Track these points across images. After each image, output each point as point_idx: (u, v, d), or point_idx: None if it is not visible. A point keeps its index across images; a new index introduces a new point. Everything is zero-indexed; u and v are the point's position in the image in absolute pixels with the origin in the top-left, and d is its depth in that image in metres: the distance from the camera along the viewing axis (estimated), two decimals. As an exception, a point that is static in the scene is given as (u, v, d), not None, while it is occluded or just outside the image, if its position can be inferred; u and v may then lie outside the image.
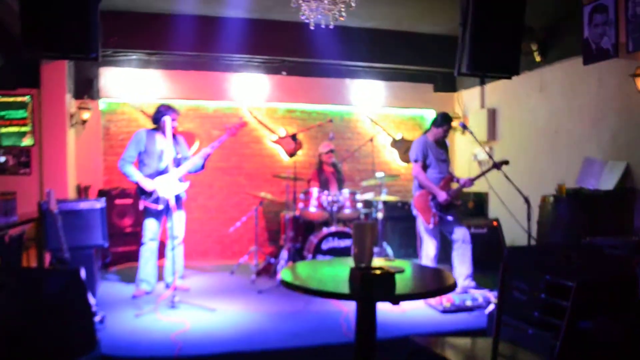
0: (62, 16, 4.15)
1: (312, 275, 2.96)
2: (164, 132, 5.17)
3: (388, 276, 2.26)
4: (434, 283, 2.94)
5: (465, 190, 7.12)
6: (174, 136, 5.45)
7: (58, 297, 3.19)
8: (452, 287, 2.56)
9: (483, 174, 5.28)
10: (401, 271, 2.73)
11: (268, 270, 6.10)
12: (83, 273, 4.31)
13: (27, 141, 6.61)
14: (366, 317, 2.51)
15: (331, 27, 4.15)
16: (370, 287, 2.23)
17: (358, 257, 2.54)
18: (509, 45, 5.00)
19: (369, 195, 6.27)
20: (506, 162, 5.18)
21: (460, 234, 5.35)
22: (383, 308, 4.80)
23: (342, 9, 4.05)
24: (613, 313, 3.17)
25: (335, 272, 2.86)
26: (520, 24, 4.91)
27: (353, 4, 4.12)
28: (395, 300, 2.34)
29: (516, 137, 6.96)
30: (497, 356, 2.46)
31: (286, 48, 7.35)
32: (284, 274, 2.75)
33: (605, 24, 4.80)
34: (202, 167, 5.53)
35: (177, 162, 5.38)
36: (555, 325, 2.64)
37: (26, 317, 3.02)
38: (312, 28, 4.22)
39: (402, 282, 2.58)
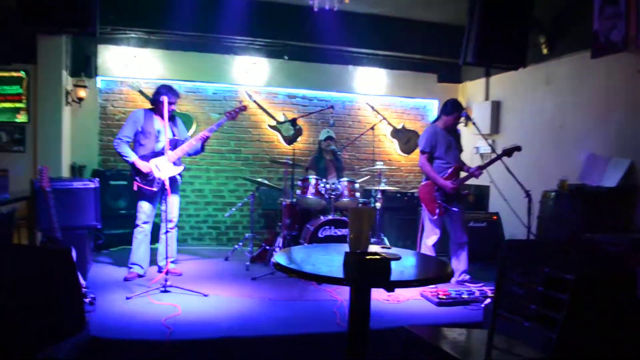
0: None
1: (306, 259, 2.89)
2: (162, 113, 5.05)
3: (383, 262, 2.18)
4: (430, 271, 2.87)
5: (466, 183, 7.09)
6: (172, 118, 5.35)
7: (46, 276, 3.10)
8: (449, 276, 2.50)
9: (493, 161, 5.14)
10: (397, 258, 2.65)
11: (263, 258, 6.02)
12: (74, 253, 4.24)
13: (21, 118, 6.48)
14: (360, 303, 2.45)
15: (335, 9, 4.02)
16: (366, 272, 2.15)
17: (354, 242, 2.45)
18: (516, 36, 4.92)
19: (367, 184, 6.16)
20: (518, 149, 5.02)
21: (460, 237, 5.28)
22: (378, 298, 4.76)
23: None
24: (611, 309, 3.10)
25: (331, 258, 2.79)
26: (529, 15, 4.83)
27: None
28: (390, 286, 2.26)
29: (520, 130, 6.86)
30: (492, 348, 2.39)
31: (289, 32, 7.21)
32: (278, 257, 2.68)
33: (616, 17, 4.69)
34: (201, 149, 5.43)
35: (174, 144, 5.27)
36: (552, 319, 2.56)
37: (12, 295, 2.93)
38: (315, 10, 4.09)
39: (398, 270, 2.50)
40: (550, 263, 3.09)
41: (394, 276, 2.28)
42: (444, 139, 5.26)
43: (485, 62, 4.92)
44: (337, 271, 2.41)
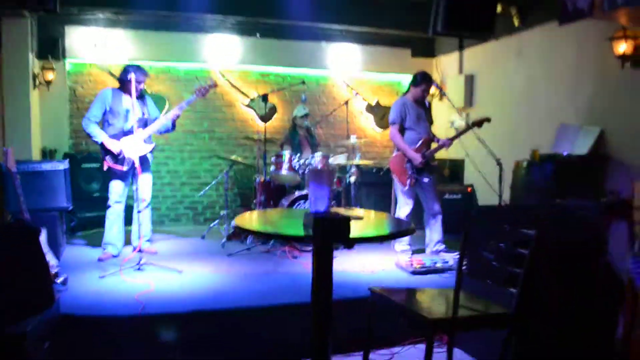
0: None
1: (268, 221, 2.89)
2: (130, 92, 4.97)
3: (342, 219, 2.19)
4: (391, 228, 2.88)
5: (441, 157, 7.13)
6: (141, 96, 5.27)
7: (10, 254, 3.06)
8: (410, 232, 2.52)
9: (462, 132, 5.22)
10: (359, 218, 2.66)
11: (239, 235, 6.00)
12: (43, 234, 4.18)
13: (-12, 102, 6.35)
14: (322, 261, 2.45)
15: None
16: (325, 229, 2.15)
17: (316, 204, 2.44)
18: (485, 4, 4.91)
19: (342, 159, 6.14)
20: (487, 120, 5.11)
21: (432, 207, 5.30)
22: (352, 270, 4.78)
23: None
24: (577, 270, 3.14)
25: (293, 219, 2.79)
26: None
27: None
28: (350, 243, 2.26)
29: (493, 103, 6.89)
30: (457, 305, 2.41)
31: (261, 9, 7.10)
32: (238, 220, 2.65)
33: (583, -18, 4.70)
34: (172, 128, 5.37)
35: (144, 123, 5.21)
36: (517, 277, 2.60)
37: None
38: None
39: (360, 228, 2.51)
40: (519, 226, 3.12)
41: (355, 234, 2.29)
42: (414, 110, 5.27)
43: (454, 32, 4.93)
44: (299, 231, 2.42)
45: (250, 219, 2.88)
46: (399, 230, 2.57)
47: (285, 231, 2.48)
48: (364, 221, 2.76)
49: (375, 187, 6.94)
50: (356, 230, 2.39)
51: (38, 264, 3.28)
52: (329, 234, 2.17)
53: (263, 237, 2.20)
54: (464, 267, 3.84)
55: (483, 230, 3.07)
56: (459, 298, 2.69)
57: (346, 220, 2.19)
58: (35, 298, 3.14)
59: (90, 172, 6.56)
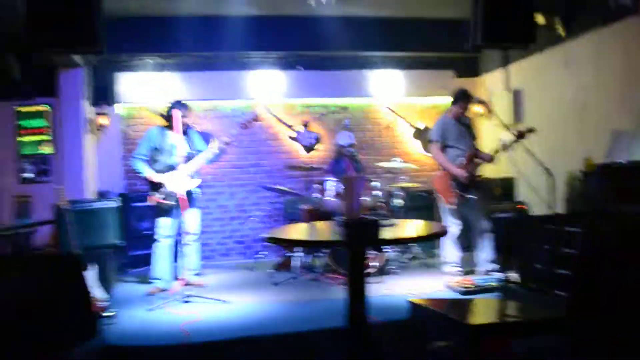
0: (67, 12, 4.21)
1: (301, 232, 2.86)
2: (175, 128, 5.09)
3: (372, 222, 2.14)
4: (422, 231, 2.78)
5: (492, 175, 6.90)
6: (186, 131, 5.40)
7: (52, 283, 3.12)
8: (442, 234, 2.41)
9: (507, 146, 5.07)
10: (392, 225, 2.58)
11: (287, 265, 5.94)
12: (94, 269, 4.28)
13: (46, 149, 6.68)
14: (356, 263, 2.38)
15: (333, 2, 3.97)
16: (356, 232, 2.11)
17: (348, 210, 2.39)
18: (524, 11, 4.79)
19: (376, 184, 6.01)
20: (532, 130, 4.96)
21: (481, 225, 5.13)
22: (401, 293, 4.63)
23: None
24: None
25: (326, 229, 2.74)
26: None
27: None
28: (379, 245, 2.21)
29: (542, 116, 6.63)
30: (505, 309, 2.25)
31: (301, 43, 7.26)
32: (270, 234, 2.62)
33: (623, -21, 4.52)
34: (221, 153, 5.41)
35: (189, 158, 5.31)
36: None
37: (18, 303, 2.95)
38: (313, 4, 4.06)
39: (393, 234, 2.44)
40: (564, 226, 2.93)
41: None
42: (455, 127, 5.21)
43: (495, 43, 4.81)
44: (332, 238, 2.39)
45: (282, 233, 2.86)
46: (431, 233, 2.46)
47: (314, 238, 2.43)
48: (398, 227, 2.67)
49: (424, 211, 6.76)
50: (389, 235, 2.32)
51: (81, 295, 3.34)
52: (358, 237, 2.12)
53: (294, 245, 2.18)
54: (515, 281, 3.64)
55: (529, 236, 2.91)
56: (506, 306, 2.54)
57: (374, 222, 2.14)
58: (79, 329, 3.17)
59: (141, 211, 6.69)
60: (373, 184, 5.66)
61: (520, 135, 4.94)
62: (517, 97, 7.10)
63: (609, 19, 4.79)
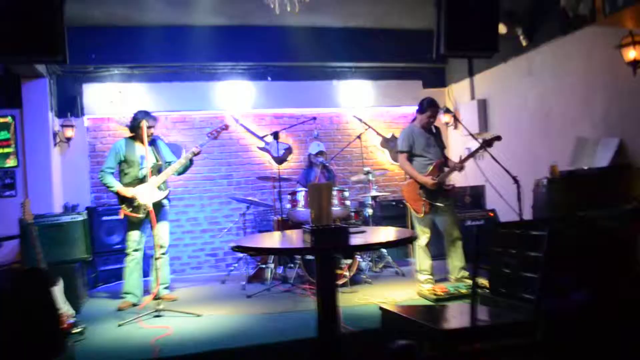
0: (26, 21, 4.12)
1: (270, 241, 2.85)
2: (142, 139, 5.03)
3: (340, 229, 2.13)
4: (392, 237, 2.80)
5: (461, 184, 7.00)
6: (153, 142, 5.35)
7: (18, 300, 3.05)
8: (410, 240, 2.42)
9: (474, 153, 5.15)
10: (362, 232, 2.59)
11: (259, 276, 5.92)
12: (59, 284, 4.18)
13: (10, 162, 6.52)
14: (324, 271, 2.38)
15: (296, 10, 4.00)
16: (324, 239, 2.10)
17: (316, 217, 2.39)
18: (487, 21, 4.87)
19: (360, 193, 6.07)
20: (498, 138, 5.04)
21: (451, 233, 5.18)
22: (374, 302, 4.64)
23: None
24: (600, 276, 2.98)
25: (295, 237, 2.74)
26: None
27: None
28: (348, 251, 2.21)
29: (508, 125, 6.79)
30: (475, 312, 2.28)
31: (269, 53, 7.31)
32: (237, 243, 2.61)
33: (581, -11, 4.66)
34: (190, 163, 5.36)
35: (158, 169, 5.26)
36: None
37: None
38: (277, 12, 4.07)
39: (362, 240, 2.46)
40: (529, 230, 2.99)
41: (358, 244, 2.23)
42: (422, 136, 5.26)
43: (458, 52, 4.89)
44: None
45: (249, 241, 2.85)
46: (399, 239, 2.48)
47: (282, 246, 2.42)
48: (367, 234, 2.69)
49: (395, 220, 6.83)
50: (358, 242, 2.33)
51: (48, 311, 3.27)
52: (326, 243, 2.12)
53: (263, 254, 2.16)
54: (486, 286, 3.69)
55: (498, 242, 2.96)
56: (477, 311, 2.58)
57: (342, 229, 2.14)
58: (46, 346, 3.10)
59: (111, 224, 6.59)
60: (344, 194, 5.67)
61: (487, 144, 5.02)
62: (482, 106, 7.24)
63: (569, 29, 4.92)
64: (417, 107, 5.41)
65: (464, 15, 4.67)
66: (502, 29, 5.79)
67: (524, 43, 6.35)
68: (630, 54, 4.70)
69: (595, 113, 5.43)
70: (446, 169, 5.21)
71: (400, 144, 5.30)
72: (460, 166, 5.11)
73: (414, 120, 5.45)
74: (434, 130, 5.40)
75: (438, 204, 5.07)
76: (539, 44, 6.17)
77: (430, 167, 5.14)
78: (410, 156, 5.24)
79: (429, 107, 5.25)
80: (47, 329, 3.12)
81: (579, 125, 5.62)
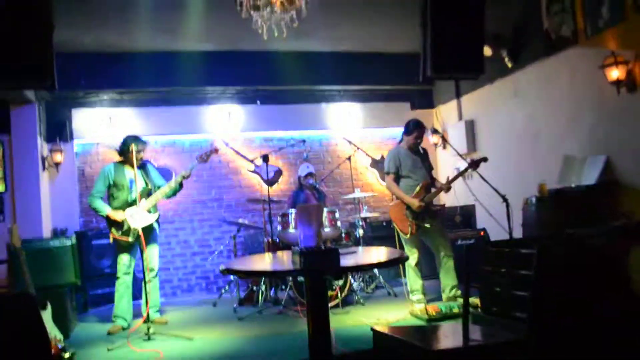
0: (15, 47, 4.12)
1: (260, 263, 2.85)
2: (132, 163, 5.03)
3: (331, 251, 2.13)
4: (383, 258, 2.81)
5: (452, 204, 7.03)
6: (143, 165, 5.35)
7: (6, 325, 3.01)
8: (401, 260, 2.43)
9: (461, 174, 5.20)
10: (353, 252, 2.60)
11: (251, 299, 5.88)
12: (48, 309, 4.14)
13: (-1, 187, 6.49)
14: (315, 289, 2.37)
15: (284, 35, 4.04)
16: (315, 260, 2.10)
17: (305, 238, 2.39)
18: (472, 44, 4.96)
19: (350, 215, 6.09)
20: (484, 160, 5.10)
21: (441, 252, 5.19)
22: (367, 323, 4.64)
23: (294, 16, 3.97)
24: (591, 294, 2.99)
25: (286, 259, 2.74)
26: (481, 20, 4.87)
27: (304, 11, 4.04)
28: (338, 272, 2.20)
29: (495, 145, 6.87)
30: (467, 331, 2.29)
31: (258, 77, 7.35)
32: (227, 265, 2.60)
33: (563, 11, 4.77)
34: (180, 187, 5.35)
35: (147, 193, 5.25)
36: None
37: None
38: (265, 39, 4.11)
39: (353, 260, 2.46)
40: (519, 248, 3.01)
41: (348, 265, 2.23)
42: (409, 157, 5.30)
43: (444, 74, 4.97)
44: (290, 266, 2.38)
45: (239, 264, 2.84)
46: (390, 259, 2.49)
47: (273, 268, 2.42)
48: (358, 254, 2.70)
49: (386, 241, 6.81)
50: (349, 263, 2.33)
51: (38, 336, 3.23)
52: (318, 265, 2.12)
53: (252, 276, 2.15)
54: (478, 306, 3.70)
55: (489, 261, 2.98)
56: (469, 330, 2.58)
57: (332, 250, 2.14)
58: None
59: (101, 249, 6.55)
60: (335, 215, 5.69)
61: (474, 164, 5.07)
62: (470, 127, 7.33)
63: (552, 50, 5.03)
64: (403, 129, 5.45)
65: (449, 38, 4.75)
66: (487, 51, 5.89)
67: (509, 64, 6.46)
68: (613, 73, 4.80)
69: (582, 131, 5.52)
70: (433, 190, 5.24)
71: (387, 166, 5.35)
72: (447, 187, 5.15)
73: (400, 141, 5.50)
74: (421, 152, 5.44)
75: (425, 224, 5.09)
76: (524, 65, 6.28)
77: (417, 188, 5.17)
78: (397, 177, 5.28)
79: (415, 129, 5.31)
80: (36, 355, 3.09)
81: (566, 143, 5.70)
